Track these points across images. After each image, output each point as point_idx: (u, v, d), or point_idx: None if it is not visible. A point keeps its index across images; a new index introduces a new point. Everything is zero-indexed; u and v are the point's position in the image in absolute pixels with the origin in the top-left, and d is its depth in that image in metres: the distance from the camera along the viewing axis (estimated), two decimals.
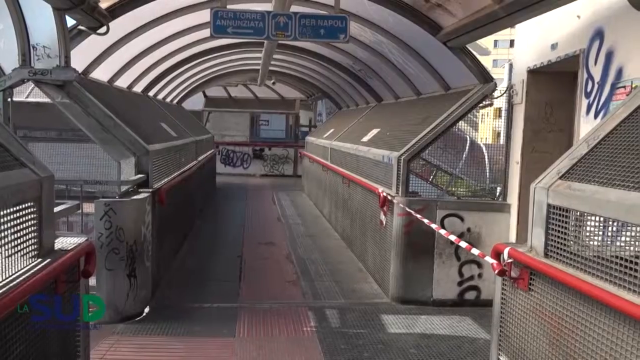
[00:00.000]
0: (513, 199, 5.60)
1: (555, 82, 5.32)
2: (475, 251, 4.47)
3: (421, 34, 6.21)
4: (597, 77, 3.97)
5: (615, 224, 2.47)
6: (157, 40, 7.49)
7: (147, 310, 5.22)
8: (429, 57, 6.93)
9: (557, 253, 2.91)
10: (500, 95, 5.74)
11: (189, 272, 6.75)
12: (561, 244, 2.91)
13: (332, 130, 12.15)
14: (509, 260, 3.12)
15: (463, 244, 4.70)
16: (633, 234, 2.35)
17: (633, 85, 3.46)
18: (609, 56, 3.82)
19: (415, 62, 7.15)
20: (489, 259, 3.35)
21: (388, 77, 9.01)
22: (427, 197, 5.79)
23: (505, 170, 5.79)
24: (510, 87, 5.70)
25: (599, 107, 3.92)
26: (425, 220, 5.27)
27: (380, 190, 6.03)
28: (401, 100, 9.16)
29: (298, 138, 19.53)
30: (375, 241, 6.61)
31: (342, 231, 8.85)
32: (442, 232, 5.15)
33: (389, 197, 5.77)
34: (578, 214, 2.82)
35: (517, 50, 5.63)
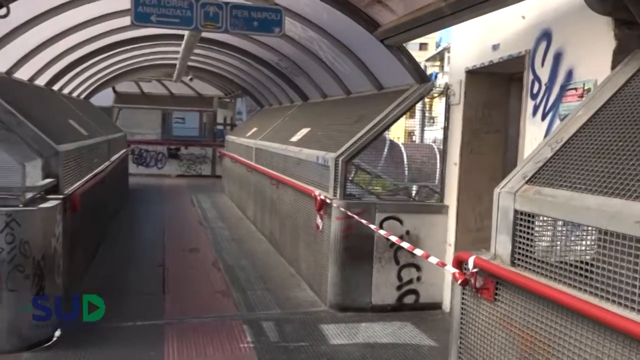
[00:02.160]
0: (451, 200, 5.54)
1: (492, 83, 5.31)
2: (418, 251, 4.31)
3: (356, 31, 6.00)
4: (544, 79, 3.94)
5: (592, 231, 2.35)
6: (68, 26, 6.72)
7: (57, 334, 4.56)
8: (362, 55, 6.76)
9: (526, 261, 2.78)
10: (438, 96, 5.67)
11: (104, 286, 6.09)
12: (530, 251, 2.77)
13: (255, 129, 11.73)
14: (474, 270, 2.95)
15: (405, 244, 4.54)
16: (613, 243, 2.23)
17: (585, 87, 3.43)
18: (558, 57, 3.79)
19: (348, 59, 6.95)
20: (450, 269, 3.17)
21: (316, 75, 8.76)
22: (366, 200, 5.59)
23: (443, 171, 5.73)
24: (447, 88, 5.64)
25: (547, 108, 3.88)
26: (372, 226, 5.06)
27: (317, 193, 5.75)
28: (329, 99, 8.95)
29: (216, 137, 18.85)
30: (309, 246, 6.33)
31: (270, 234, 8.49)
32: (383, 232, 4.96)
33: (327, 200, 5.51)
34: (549, 220, 2.69)
35: (455, 50, 5.57)
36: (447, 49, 37.31)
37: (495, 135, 5.36)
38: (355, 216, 5.18)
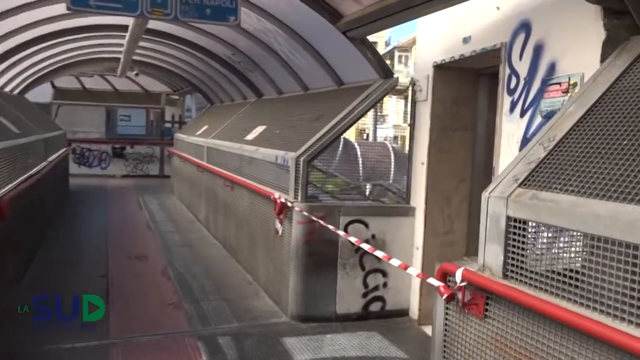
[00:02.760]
0: (418, 202, 5.27)
1: (461, 78, 5.07)
2: (395, 261, 3.97)
3: (317, 22, 5.63)
4: (522, 73, 3.70)
5: (603, 244, 2.07)
6: None
7: None
8: (322, 49, 6.40)
9: (521, 274, 2.49)
10: (403, 92, 5.37)
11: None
12: (526, 263, 2.49)
13: (206, 127, 11.17)
14: (462, 284, 2.64)
15: (380, 254, 4.20)
16: (629, 256, 1.96)
17: (571, 82, 3.20)
18: (538, 50, 3.55)
19: (306, 53, 6.57)
20: (433, 281, 2.85)
21: (271, 70, 8.34)
22: (329, 203, 5.23)
23: (409, 171, 5.45)
24: (412, 83, 5.36)
25: (526, 104, 3.64)
26: (340, 232, 4.71)
27: (276, 196, 5.35)
28: (285, 95, 8.55)
29: (164, 135, 18.05)
30: (268, 252, 5.92)
31: (225, 239, 8.01)
32: (354, 240, 4.62)
33: (288, 204, 5.12)
34: (549, 229, 2.41)
35: (421, 44, 5.30)
36: (397, 48, 37.60)
37: (463, 133, 5.12)
38: (318, 220, 4.82)
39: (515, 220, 2.52)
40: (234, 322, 5.16)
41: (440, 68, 4.97)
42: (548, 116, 3.39)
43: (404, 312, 5.44)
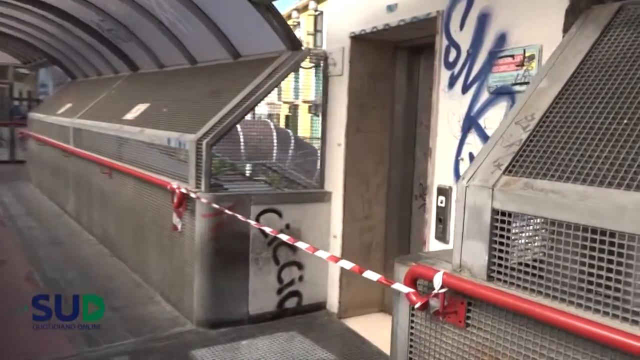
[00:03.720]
0: (334, 186, 4.84)
1: (379, 51, 4.68)
2: (323, 254, 3.47)
3: None
4: (464, 45, 3.37)
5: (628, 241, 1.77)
6: None
7: None
8: (216, 16, 5.64)
9: (510, 275, 2.14)
10: (315, 65, 4.86)
11: None
12: (517, 262, 2.14)
13: (69, 105, 9.73)
14: (442, 290, 2.23)
15: (303, 245, 3.64)
16: None
17: (527, 54, 2.92)
18: (484, 20, 3.23)
19: (197, 21, 5.76)
20: (400, 287, 2.41)
21: (151, 39, 7.33)
22: (237, 191, 4.60)
23: (322, 153, 4.99)
24: (324, 56, 4.87)
25: (469, 79, 3.34)
26: (252, 222, 4.12)
27: (174, 186, 4.58)
28: (168, 69, 7.59)
29: (13, 114, 15.74)
30: (164, 250, 5.13)
31: (103, 234, 6.97)
32: (269, 230, 4.06)
33: (191, 194, 4.39)
34: (549, 223, 2.07)
35: (335, 12, 4.81)
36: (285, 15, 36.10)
37: (381, 111, 4.77)
38: (227, 211, 4.18)
39: (502, 214, 2.15)
40: (128, 337, 4.36)
41: (358, 39, 4.54)
42: (498, 92, 3.11)
43: (320, 306, 5.03)
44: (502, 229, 2.16)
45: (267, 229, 4.10)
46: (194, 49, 6.67)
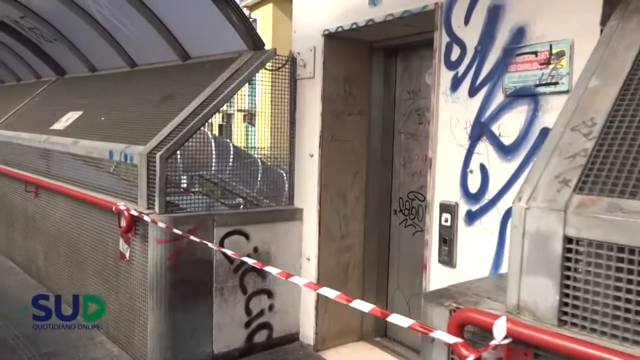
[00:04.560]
0: (306, 202, 4.33)
1: (354, 51, 4.23)
2: (299, 280, 2.91)
3: None
4: (471, 41, 2.97)
5: None
6: None
7: None
8: (163, 13, 4.98)
9: (591, 319, 1.71)
10: (281, 67, 4.34)
11: None
12: (600, 303, 1.72)
13: None
14: (506, 341, 1.77)
15: (274, 270, 3.05)
16: None
17: (554, 51, 2.55)
18: (496, 12, 2.84)
19: (141, 19, 5.07)
20: (444, 337, 1.93)
21: (81, 39, 6.50)
22: (199, 211, 3.97)
23: (290, 165, 4.45)
24: (291, 57, 4.36)
25: (478, 80, 2.93)
26: (231, 253, 3.50)
27: (122, 207, 3.88)
28: (101, 73, 6.78)
29: None
30: (108, 282, 4.39)
31: (28, 261, 6.04)
32: (251, 262, 3.48)
33: (145, 217, 3.71)
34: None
35: (305, 7, 4.29)
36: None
37: (358, 117, 4.31)
38: (193, 238, 3.54)
39: (578, 243, 1.72)
40: None
41: (332, 38, 4.06)
42: (517, 94, 2.72)
43: (293, 337, 4.48)
44: (577, 261, 1.74)
45: (230, 253, 3.49)
46: (133, 50, 5.94)
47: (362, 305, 2.38)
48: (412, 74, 4.20)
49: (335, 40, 4.07)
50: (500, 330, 1.77)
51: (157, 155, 3.77)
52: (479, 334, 1.92)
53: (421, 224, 4.20)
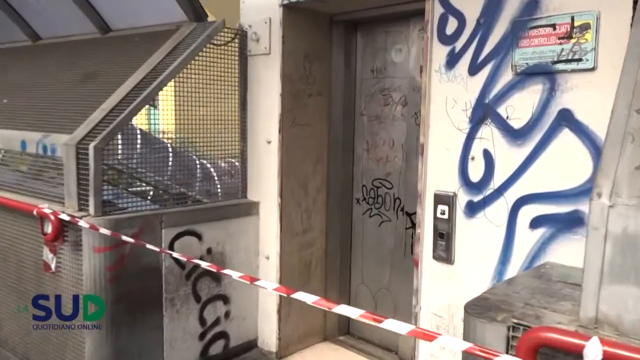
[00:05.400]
0: (263, 194, 3.87)
1: (314, 25, 3.80)
2: (268, 285, 2.50)
3: None
4: (471, 13, 2.65)
5: None
6: None
7: None
8: None
9: None
10: (230, 41, 3.80)
11: None
12: None
13: None
14: None
15: (235, 274, 2.57)
16: None
17: (577, 24, 2.29)
18: None
19: None
20: None
21: None
22: (144, 211, 3.37)
23: (243, 154, 3.96)
24: (241, 30, 3.84)
25: (482, 57, 2.63)
26: (183, 257, 2.96)
27: (46, 211, 3.19)
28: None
29: None
30: (28, 298, 3.65)
31: None
32: (205, 264, 2.97)
33: (80, 222, 3.06)
34: None
35: None
36: None
37: (319, 99, 3.89)
38: (149, 246, 2.96)
39: None
40: None
41: (291, 9, 3.59)
42: (530, 72, 2.45)
43: (252, 344, 4.04)
44: None
45: (184, 258, 2.98)
46: (35, 20, 5.04)
47: (350, 311, 2.00)
48: (377, 51, 3.85)
49: (295, 12, 3.61)
50: (594, 353, 1.48)
51: (91, 146, 3.11)
52: (550, 355, 1.63)
53: (388, 214, 3.91)
